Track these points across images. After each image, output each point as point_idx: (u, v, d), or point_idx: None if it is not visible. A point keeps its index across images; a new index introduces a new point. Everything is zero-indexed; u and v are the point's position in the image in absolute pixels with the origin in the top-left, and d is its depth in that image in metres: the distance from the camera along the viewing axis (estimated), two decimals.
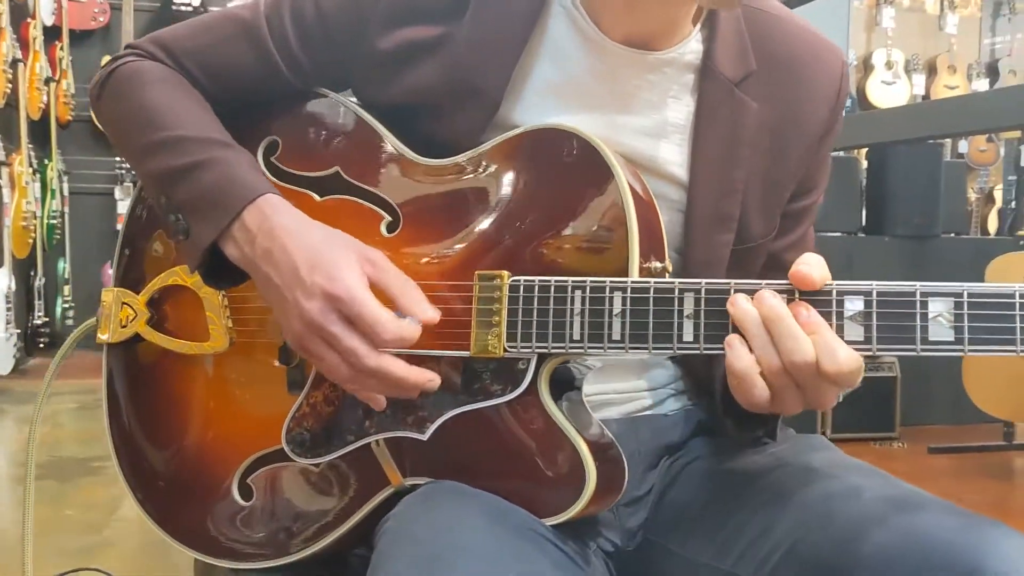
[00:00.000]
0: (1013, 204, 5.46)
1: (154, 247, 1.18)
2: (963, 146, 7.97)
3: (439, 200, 1.03)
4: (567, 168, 0.97)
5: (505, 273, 0.96)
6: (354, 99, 1.11)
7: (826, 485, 0.95)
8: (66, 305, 6.36)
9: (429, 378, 0.95)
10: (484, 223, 1.00)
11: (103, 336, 1.17)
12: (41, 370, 5.80)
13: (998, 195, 7.57)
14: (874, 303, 0.85)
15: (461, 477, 0.97)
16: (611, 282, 0.92)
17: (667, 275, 0.94)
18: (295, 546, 1.05)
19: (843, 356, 0.83)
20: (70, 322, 6.24)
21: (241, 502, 1.08)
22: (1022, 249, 3.59)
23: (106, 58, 6.14)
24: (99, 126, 6.37)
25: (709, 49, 1.07)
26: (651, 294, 0.91)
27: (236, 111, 1.10)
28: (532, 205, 0.98)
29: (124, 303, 1.17)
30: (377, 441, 1.00)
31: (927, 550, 0.82)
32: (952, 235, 4.95)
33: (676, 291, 0.90)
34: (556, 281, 0.94)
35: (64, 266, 6.45)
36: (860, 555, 0.84)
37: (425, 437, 0.98)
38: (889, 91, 8.13)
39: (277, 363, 1.06)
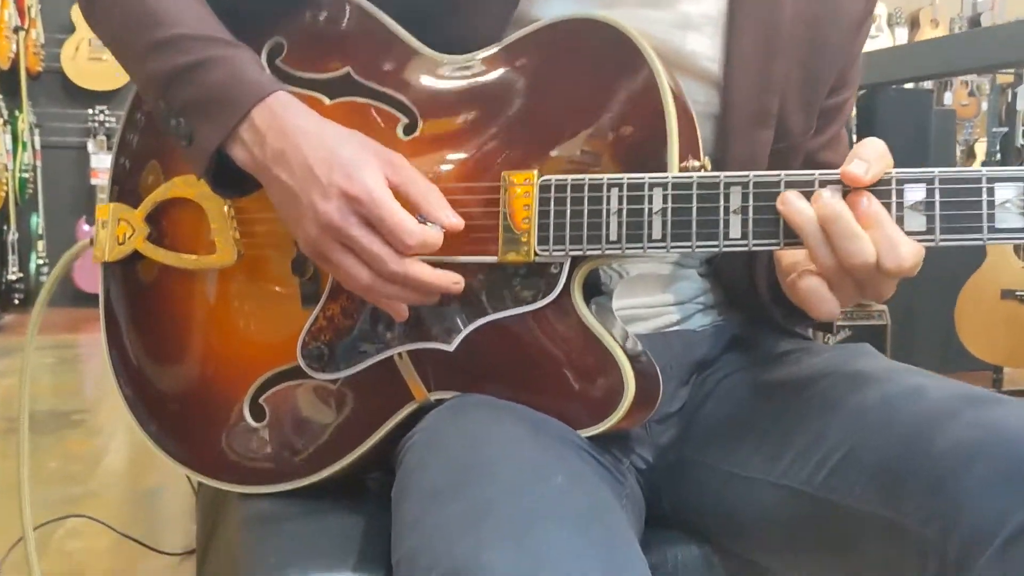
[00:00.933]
0: (998, 156, 5.43)
1: (152, 159, 1.10)
2: (947, 98, 7.94)
3: (460, 98, 0.96)
4: (598, 60, 0.91)
5: (534, 172, 0.90)
6: None
7: (883, 388, 0.90)
8: (40, 261, 6.24)
9: (454, 280, 0.90)
10: (509, 121, 0.93)
11: (99, 253, 1.10)
12: (16, 326, 5.71)
13: (979, 149, 7.55)
14: (936, 191, 0.80)
15: (490, 389, 0.92)
16: (650, 178, 0.86)
17: (705, 172, 0.88)
18: (310, 468, 0.99)
19: (905, 251, 0.78)
20: (44, 278, 6.13)
21: (253, 423, 1.02)
22: None
23: (76, 8, 6.01)
24: (71, 77, 6.22)
25: None
26: (694, 189, 0.85)
27: (236, 13, 1.02)
28: (561, 100, 0.92)
29: (121, 219, 1.10)
30: (400, 353, 0.94)
31: (1011, 441, 0.77)
32: None
33: (721, 185, 0.85)
34: (590, 179, 0.88)
35: (38, 221, 6.32)
36: (932, 451, 0.79)
37: (452, 348, 0.92)
38: (871, 44, 8.07)
39: (290, 275, 1.00)
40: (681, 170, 0.88)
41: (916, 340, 4.35)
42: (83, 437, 3.22)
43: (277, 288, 1.02)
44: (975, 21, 8.59)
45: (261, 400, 1.02)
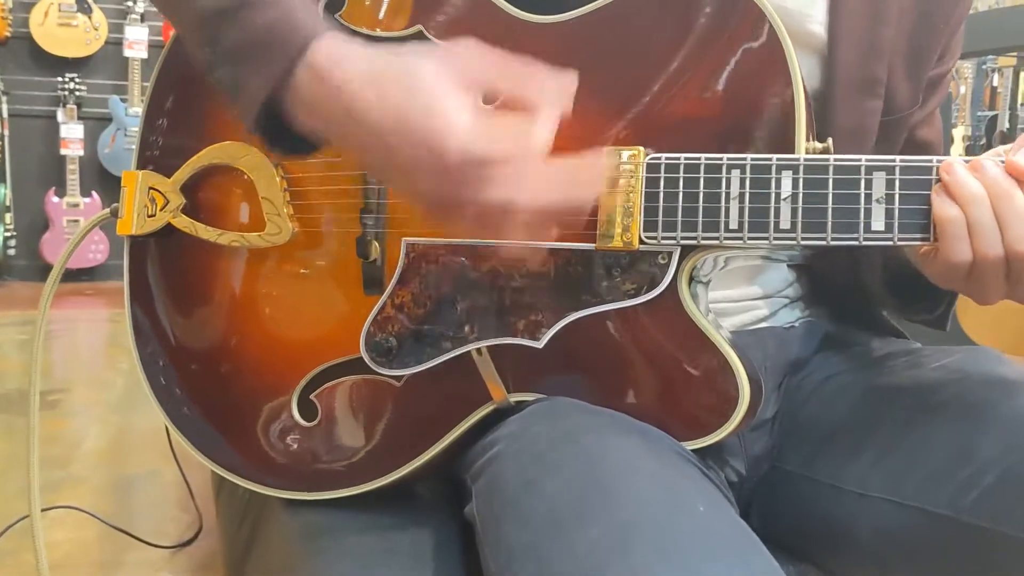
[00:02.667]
0: (983, 140, 5.39)
1: (189, 120, 0.98)
2: None
3: (551, 64, 0.85)
4: (713, 23, 0.80)
5: (640, 149, 0.80)
6: None
7: None
8: (8, 234, 6.03)
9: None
10: (609, 91, 0.83)
11: (126, 226, 0.98)
12: None
13: (956, 134, 7.53)
14: None
15: (579, 393, 0.82)
16: (778, 159, 0.76)
17: (840, 155, 0.78)
18: (367, 475, 0.88)
19: None
20: (12, 251, 5.92)
21: (302, 422, 0.91)
22: None
23: None
24: (40, 43, 5.99)
25: None
26: (830, 174, 0.75)
27: None
28: (669, 69, 0.81)
29: (151, 188, 0.98)
30: (479, 349, 0.84)
31: None
32: None
33: (863, 169, 0.75)
34: (707, 159, 0.78)
35: (5, 192, 6.10)
36: None
37: (540, 345, 0.82)
38: None
39: (353, 256, 0.89)
40: (806, 150, 0.78)
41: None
42: (60, 418, 3.07)
43: (336, 270, 0.91)
44: None
45: (312, 396, 0.91)
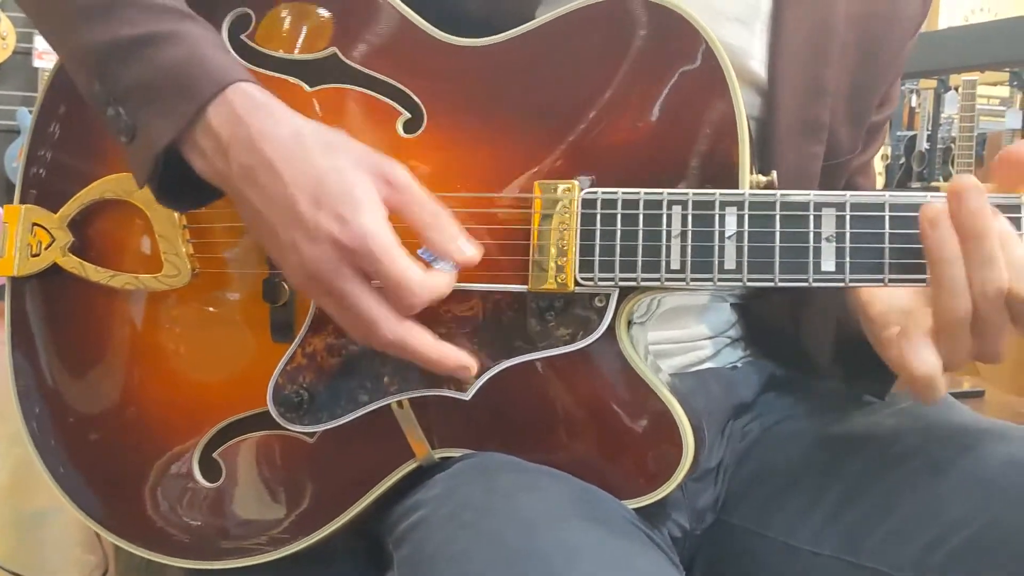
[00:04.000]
0: (902, 160, 5.50)
1: (78, 150, 0.89)
2: None
3: (478, 90, 0.79)
4: (655, 51, 0.75)
5: (575, 183, 0.74)
6: None
7: (1006, 448, 0.75)
8: None
9: (462, 364, 0.72)
10: (541, 120, 0.76)
11: (7, 266, 0.89)
12: None
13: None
14: None
15: (511, 449, 0.75)
16: (721, 195, 0.71)
17: (786, 191, 0.73)
18: (275, 540, 0.80)
19: None
20: None
21: (204, 483, 0.83)
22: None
23: None
24: None
25: None
26: (777, 211, 0.70)
27: None
28: (606, 96, 0.75)
29: (35, 224, 0.89)
30: (400, 402, 0.76)
31: None
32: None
33: (812, 206, 0.70)
34: (646, 194, 0.72)
35: None
36: None
37: (468, 396, 0.75)
38: None
39: (259, 300, 0.81)
40: (751, 184, 0.73)
41: None
42: None
43: (241, 316, 0.83)
44: None
45: (216, 455, 0.82)
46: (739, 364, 0.95)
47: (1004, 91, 3.90)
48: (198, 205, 0.78)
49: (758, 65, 0.87)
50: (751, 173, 0.74)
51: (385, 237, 0.68)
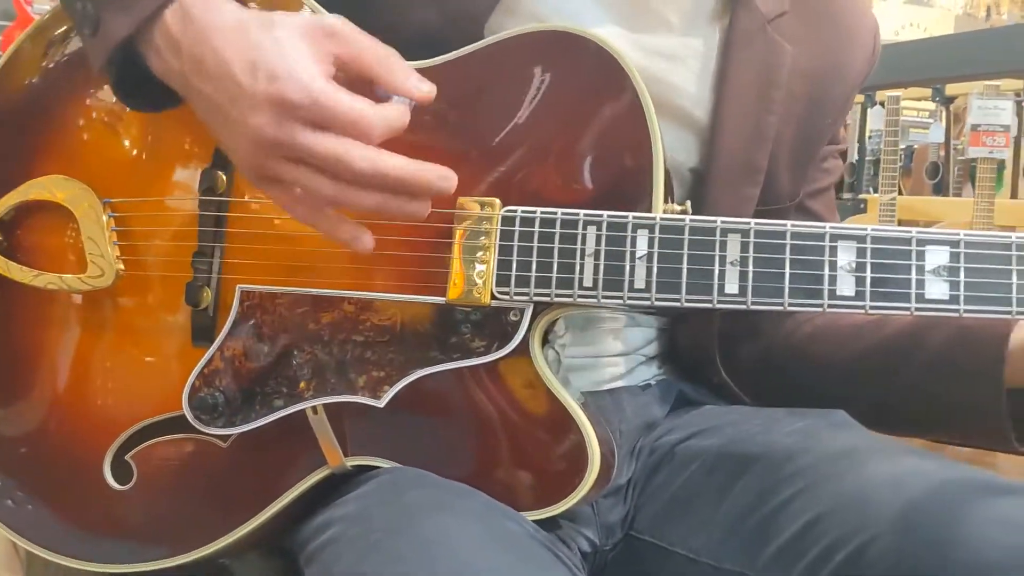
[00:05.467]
0: None
1: (10, 150, 0.89)
2: None
3: (414, 112, 0.81)
4: (579, 81, 0.78)
5: (497, 201, 0.76)
6: None
7: (885, 467, 0.78)
8: None
9: (441, 174, 0.72)
10: (469, 140, 0.79)
11: None
12: None
13: None
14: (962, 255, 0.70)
15: (421, 458, 0.77)
16: (634, 217, 0.74)
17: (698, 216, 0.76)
18: (184, 545, 0.81)
19: None
20: None
21: (115, 485, 0.83)
22: (863, 212, 3.63)
23: None
24: None
25: None
26: (686, 235, 0.73)
27: None
28: (531, 121, 0.78)
29: None
30: (315, 408, 0.78)
31: None
32: None
33: (718, 231, 0.73)
34: (564, 214, 0.75)
35: None
36: (978, 560, 0.68)
37: (381, 404, 0.77)
38: None
39: (182, 304, 0.82)
40: (664, 211, 0.76)
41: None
42: None
43: (163, 319, 0.84)
44: None
45: (128, 457, 0.83)
46: (652, 382, 0.98)
47: (932, 105, 4.02)
48: (155, 108, 0.79)
49: (697, 107, 0.91)
50: (667, 202, 0.77)
51: (322, 82, 0.69)
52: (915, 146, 4.67)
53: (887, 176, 3.07)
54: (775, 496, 0.80)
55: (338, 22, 0.73)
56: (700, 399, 0.98)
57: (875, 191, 3.88)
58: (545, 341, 0.79)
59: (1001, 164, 3.50)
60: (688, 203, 0.79)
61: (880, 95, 3.59)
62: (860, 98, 3.83)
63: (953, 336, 0.86)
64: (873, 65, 1.03)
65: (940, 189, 4.20)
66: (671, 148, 0.87)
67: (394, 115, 0.70)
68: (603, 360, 0.94)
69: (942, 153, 4.09)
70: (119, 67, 0.76)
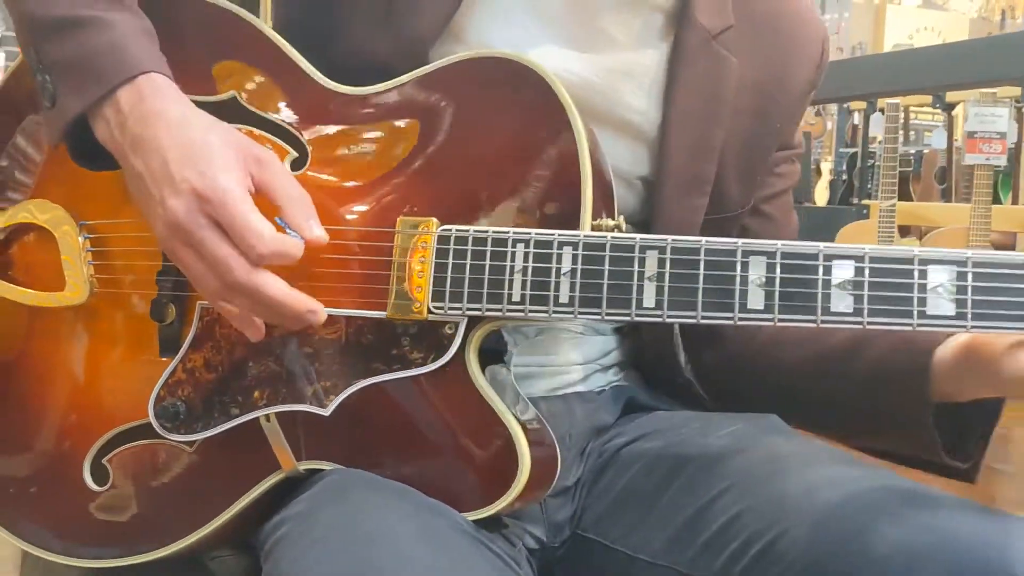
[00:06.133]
0: (845, 176, 5.62)
1: (2, 176, 0.96)
2: None
3: (357, 135, 0.87)
4: (513, 105, 0.84)
5: (433, 220, 0.82)
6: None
7: (804, 474, 0.84)
8: None
9: (311, 308, 0.80)
10: (410, 163, 0.85)
11: None
12: None
13: (825, 168, 7.82)
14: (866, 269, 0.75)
15: (368, 463, 0.83)
16: (559, 235, 0.79)
17: (619, 233, 0.82)
18: (154, 541, 0.87)
19: None
20: None
21: (93, 487, 0.90)
22: (864, 218, 3.66)
23: None
24: None
25: None
26: (607, 251, 0.78)
27: None
28: (468, 144, 0.84)
29: None
30: (268, 416, 0.84)
31: (958, 551, 0.72)
32: (797, 204, 5.03)
33: (637, 248, 0.78)
34: (494, 232, 0.80)
35: None
36: (872, 554, 0.74)
37: (327, 412, 0.82)
38: None
39: (149, 319, 0.89)
40: (593, 228, 0.81)
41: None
42: None
43: (133, 333, 0.90)
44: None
45: (104, 461, 0.89)
46: (606, 388, 1.03)
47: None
48: (98, 169, 0.86)
49: (645, 121, 0.96)
50: (601, 217, 0.82)
51: (237, 191, 0.77)
52: (925, 150, 4.69)
53: (887, 182, 3.10)
54: (704, 494, 0.86)
55: (268, 154, 0.82)
56: (653, 405, 1.03)
57: (870, 199, 3.91)
58: (499, 358, 0.85)
59: (1007, 170, 3.52)
60: (621, 217, 0.84)
61: (881, 101, 3.62)
62: (862, 104, 3.87)
63: (888, 349, 0.91)
64: (822, 72, 1.07)
65: (947, 194, 4.23)
66: (622, 159, 0.93)
67: (287, 245, 0.78)
68: (559, 368, 0.99)
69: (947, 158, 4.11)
70: (72, 136, 0.84)
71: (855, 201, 4.58)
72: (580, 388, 1.00)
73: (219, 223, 0.76)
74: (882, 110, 3.51)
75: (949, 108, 3.61)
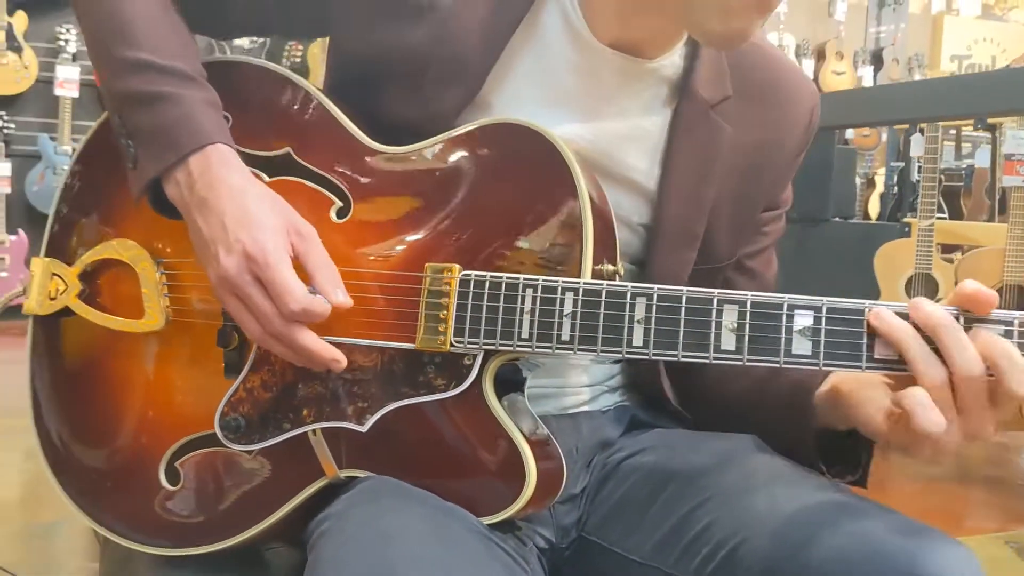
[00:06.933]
0: (895, 190, 5.65)
1: (92, 215, 1.13)
2: (849, 131, 8.21)
3: (393, 189, 1.01)
4: (527, 166, 0.97)
5: (456, 267, 0.95)
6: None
7: (770, 489, 0.97)
8: None
9: (335, 358, 0.95)
10: (438, 216, 0.98)
11: (31, 306, 1.12)
12: None
13: (879, 180, 7.83)
14: (824, 318, 0.87)
15: (399, 472, 0.97)
16: (563, 282, 0.92)
17: (618, 277, 0.95)
18: (218, 535, 1.02)
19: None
20: None
21: (168, 486, 1.05)
22: (906, 235, 3.71)
23: None
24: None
25: (690, 67, 1.09)
26: (603, 297, 0.92)
27: None
28: (487, 199, 0.98)
29: (54, 274, 1.12)
30: (314, 430, 0.99)
31: (873, 554, 0.85)
32: (840, 219, 5.09)
33: (628, 295, 0.91)
34: (508, 278, 0.94)
35: None
36: (811, 561, 0.87)
37: (364, 429, 0.97)
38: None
39: (216, 345, 1.04)
40: (594, 273, 0.94)
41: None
42: None
43: (201, 356, 1.05)
44: (877, 55, 8.89)
45: (177, 464, 1.05)
46: (611, 408, 1.17)
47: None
48: (177, 217, 1.00)
49: (647, 180, 1.09)
50: (601, 263, 0.95)
51: (279, 254, 0.93)
52: (975, 166, 4.72)
53: (926, 202, 3.17)
54: (686, 505, 1.00)
55: (308, 228, 0.96)
56: (653, 422, 1.17)
57: (911, 215, 3.94)
58: (516, 385, 0.98)
59: None
60: (621, 263, 0.97)
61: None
62: (905, 124, 3.92)
63: (791, 383, 1.05)
64: (810, 137, 1.19)
65: (1002, 208, 4.26)
66: (625, 209, 1.07)
67: (317, 307, 0.93)
68: (569, 390, 1.13)
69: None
70: (151, 192, 1.00)
71: (904, 214, 4.62)
72: (587, 408, 1.14)
73: (261, 280, 0.92)
74: (922, 130, 3.57)
75: (992, 128, 3.66)
